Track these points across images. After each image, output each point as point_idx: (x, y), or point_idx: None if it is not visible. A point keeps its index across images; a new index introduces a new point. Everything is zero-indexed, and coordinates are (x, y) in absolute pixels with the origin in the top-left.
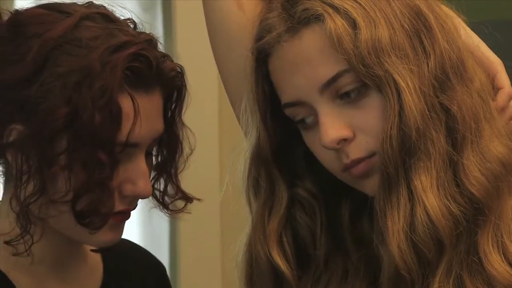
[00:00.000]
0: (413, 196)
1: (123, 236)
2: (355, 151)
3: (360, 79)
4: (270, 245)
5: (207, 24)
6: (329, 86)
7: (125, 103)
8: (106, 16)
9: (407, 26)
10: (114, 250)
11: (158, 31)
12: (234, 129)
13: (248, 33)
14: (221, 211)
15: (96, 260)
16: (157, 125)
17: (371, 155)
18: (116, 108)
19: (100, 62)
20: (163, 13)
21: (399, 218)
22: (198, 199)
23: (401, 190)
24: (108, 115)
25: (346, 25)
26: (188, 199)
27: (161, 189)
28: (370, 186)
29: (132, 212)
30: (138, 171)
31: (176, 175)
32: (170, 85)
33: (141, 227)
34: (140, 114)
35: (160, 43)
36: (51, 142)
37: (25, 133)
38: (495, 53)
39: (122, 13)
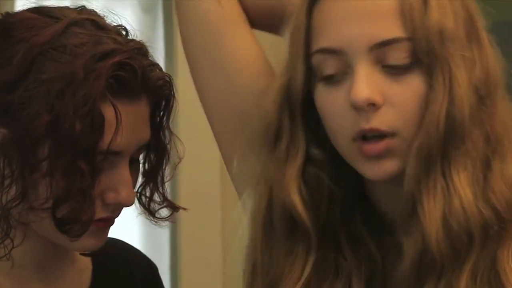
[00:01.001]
0: (450, 187)
1: (119, 237)
2: (378, 120)
3: (411, 56)
4: (290, 188)
5: (182, 30)
6: (380, 48)
7: (108, 112)
8: (96, 23)
9: (467, 25)
10: (103, 251)
11: (159, 32)
12: None
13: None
14: (222, 213)
15: (85, 261)
16: (142, 134)
17: (392, 134)
18: (98, 117)
19: (84, 70)
20: (164, 14)
21: (436, 204)
22: (184, 208)
23: (439, 176)
24: (90, 124)
25: (420, 1)
26: (174, 208)
27: (148, 196)
28: (377, 169)
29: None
30: (121, 179)
31: (163, 184)
32: (157, 94)
33: (141, 229)
34: (123, 123)
35: (151, 47)
36: (33, 148)
37: (9, 137)
38: None
39: (114, 20)
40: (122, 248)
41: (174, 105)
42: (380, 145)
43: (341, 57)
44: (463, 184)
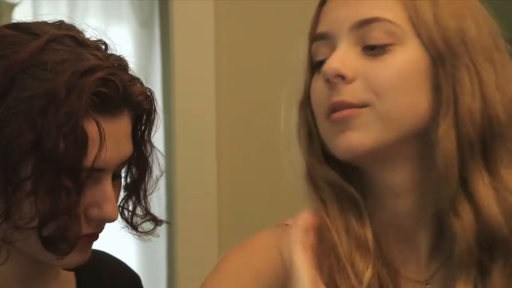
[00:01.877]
0: (499, 181)
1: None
2: (345, 92)
3: (392, 36)
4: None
5: None
6: (360, 27)
7: (91, 129)
8: (75, 38)
9: (491, 42)
10: (87, 263)
11: (156, 47)
12: (231, 137)
13: None
14: (219, 227)
15: (68, 275)
16: (124, 149)
17: (361, 106)
18: (82, 135)
19: (66, 87)
20: (160, 29)
21: (487, 193)
22: (168, 223)
23: (482, 167)
24: (73, 142)
25: None
26: (157, 221)
27: (130, 210)
28: (344, 141)
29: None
30: (104, 195)
31: (145, 197)
32: (138, 109)
33: (138, 245)
34: (107, 139)
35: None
36: (16, 167)
37: None
38: None
39: (93, 34)
40: (105, 259)
41: (156, 119)
42: (345, 112)
43: (329, 41)
44: (510, 180)
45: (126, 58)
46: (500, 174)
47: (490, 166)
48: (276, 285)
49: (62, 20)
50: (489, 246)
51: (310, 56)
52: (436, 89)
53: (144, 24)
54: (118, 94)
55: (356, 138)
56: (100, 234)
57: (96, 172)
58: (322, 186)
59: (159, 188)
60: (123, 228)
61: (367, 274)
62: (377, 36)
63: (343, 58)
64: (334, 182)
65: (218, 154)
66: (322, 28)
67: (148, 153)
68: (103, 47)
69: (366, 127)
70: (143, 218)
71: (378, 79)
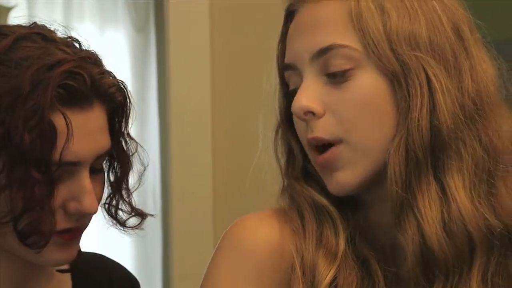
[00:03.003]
0: (446, 192)
1: (116, 254)
2: (318, 128)
3: (352, 61)
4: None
5: None
6: (320, 56)
7: (59, 122)
8: (43, 35)
9: (450, 37)
10: (82, 266)
11: (151, 51)
12: (227, 140)
13: None
14: (214, 227)
15: (64, 278)
16: (99, 142)
17: (336, 141)
18: (48, 128)
19: (31, 81)
20: (156, 34)
21: (431, 207)
22: (152, 215)
23: (431, 179)
24: (40, 135)
25: (372, 7)
26: (142, 215)
27: (114, 206)
28: (334, 182)
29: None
30: (81, 188)
31: (128, 192)
32: (111, 101)
33: (134, 243)
34: (77, 131)
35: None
36: None
37: None
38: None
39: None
40: (103, 262)
41: (131, 111)
42: (326, 155)
43: (296, 71)
44: (458, 188)
45: (98, 53)
46: (448, 183)
47: (440, 176)
48: (278, 276)
49: (35, 22)
50: (430, 265)
51: (284, 81)
52: (398, 109)
53: (139, 28)
54: (86, 86)
55: (343, 177)
56: (83, 232)
57: (71, 166)
58: (300, 201)
59: (143, 183)
60: (111, 225)
61: (328, 277)
62: (336, 63)
63: (310, 93)
64: (312, 199)
65: (213, 156)
66: (287, 59)
67: (128, 147)
68: (77, 44)
69: (350, 164)
70: (129, 214)
71: (343, 111)
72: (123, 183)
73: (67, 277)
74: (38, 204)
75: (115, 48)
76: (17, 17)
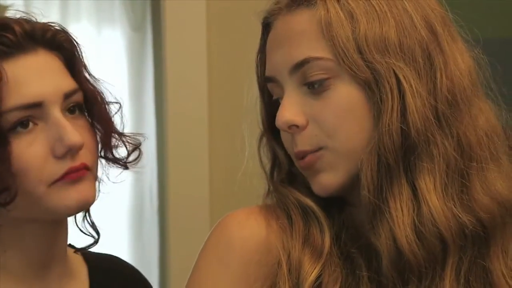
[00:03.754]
0: (417, 194)
1: (113, 253)
2: (303, 141)
3: (328, 72)
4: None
5: None
6: (297, 70)
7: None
8: None
9: (421, 36)
10: (100, 267)
11: (148, 50)
12: (224, 135)
13: None
14: (211, 225)
15: (82, 277)
16: (57, 81)
17: (318, 149)
18: None
19: None
20: (153, 32)
21: (402, 210)
22: (140, 134)
23: (403, 183)
24: None
25: (341, 14)
26: (139, 149)
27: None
28: (317, 183)
29: (123, 227)
30: (58, 126)
31: (117, 132)
32: (55, 45)
33: (131, 242)
34: (24, 74)
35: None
36: None
37: None
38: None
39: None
40: (119, 264)
41: (82, 51)
42: (306, 159)
43: (278, 83)
44: (429, 190)
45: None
46: (420, 186)
47: (412, 179)
48: (265, 271)
49: None
50: (404, 268)
51: (264, 91)
52: (372, 115)
53: (136, 27)
54: (17, 35)
55: (326, 179)
56: (92, 172)
57: (38, 110)
58: (287, 202)
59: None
60: (113, 166)
61: (313, 274)
62: (313, 74)
63: (292, 107)
64: (298, 201)
65: (210, 155)
66: (268, 72)
67: (97, 86)
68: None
69: (332, 167)
70: (126, 154)
71: (324, 120)
72: (108, 123)
73: (86, 275)
74: None
75: (112, 47)
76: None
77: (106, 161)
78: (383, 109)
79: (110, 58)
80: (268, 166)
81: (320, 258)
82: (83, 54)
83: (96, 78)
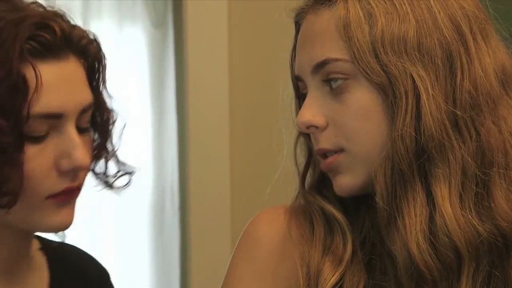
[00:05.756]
0: (431, 201)
1: (134, 251)
2: (324, 141)
3: (346, 73)
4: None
5: None
6: (318, 70)
7: (30, 74)
8: (10, 2)
9: (443, 36)
10: (59, 253)
11: (169, 47)
12: (245, 132)
13: None
14: (232, 223)
15: (43, 267)
16: (80, 94)
17: (339, 150)
18: (18, 79)
19: (0, 36)
20: (174, 29)
21: (416, 217)
22: (138, 169)
23: (417, 189)
24: (9, 87)
25: (360, 14)
26: (129, 173)
27: (103, 169)
28: (336, 184)
29: (143, 225)
30: (70, 142)
31: (113, 150)
32: (85, 53)
33: (152, 240)
34: (54, 83)
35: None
36: None
37: None
38: None
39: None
40: (77, 252)
41: (106, 65)
42: (328, 160)
43: (303, 81)
44: (444, 197)
45: (67, 12)
46: (434, 193)
47: (427, 185)
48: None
49: None
50: (417, 277)
51: (298, 90)
52: (388, 119)
53: (157, 24)
54: (56, 37)
55: (345, 181)
56: (79, 194)
57: (56, 120)
58: (311, 210)
59: (122, 140)
60: (100, 189)
61: (332, 280)
62: (333, 75)
63: (313, 108)
64: (322, 209)
65: (231, 153)
66: (296, 71)
67: (109, 102)
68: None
69: (351, 169)
70: (115, 174)
71: (342, 123)
72: (109, 139)
73: (45, 266)
74: (6, 159)
75: (133, 44)
76: None
77: (94, 176)
78: (397, 113)
79: (131, 55)
80: (302, 166)
81: (340, 265)
82: (107, 69)
83: (111, 95)
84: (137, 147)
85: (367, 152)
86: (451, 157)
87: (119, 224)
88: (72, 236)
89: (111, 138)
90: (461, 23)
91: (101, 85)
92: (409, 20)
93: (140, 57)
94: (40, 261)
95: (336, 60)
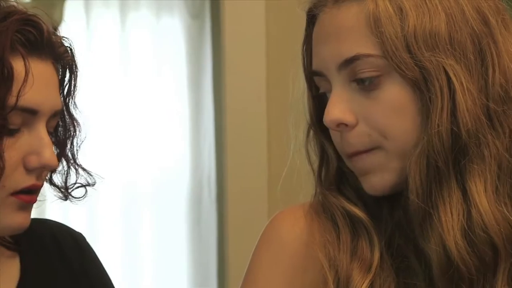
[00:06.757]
0: (467, 197)
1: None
2: (354, 140)
3: (378, 69)
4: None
5: None
6: (347, 66)
7: (18, 65)
8: None
9: (473, 29)
10: (28, 231)
11: (207, 38)
12: (282, 122)
13: None
14: (269, 215)
15: (12, 255)
16: (54, 97)
17: (372, 149)
18: (7, 69)
19: None
20: (211, 20)
21: (452, 214)
22: (102, 177)
23: (453, 186)
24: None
25: (390, 9)
26: (88, 185)
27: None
28: (369, 184)
29: (181, 216)
30: (41, 141)
31: (74, 159)
32: (62, 61)
33: (189, 231)
34: (35, 79)
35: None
36: None
37: None
38: None
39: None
40: (47, 225)
41: (78, 77)
42: (365, 161)
43: (325, 77)
44: (479, 192)
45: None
46: (470, 188)
47: (462, 181)
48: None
49: None
50: (454, 276)
51: (311, 84)
52: (422, 115)
53: (195, 14)
54: (42, 36)
55: (379, 179)
56: (37, 197)
57: (30, 116)
58: (334, 211)
59: (80, 152)
60: (57, 198)
61: (363, 286)
62: (363, 71)
63: (341, 104)
64: (346, 210)
65: (269, 144)
66: (315, 66)
67: (76, 113)
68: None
69: (385, 167)
70: (73, 184)
71: (376, 120)
72: (72, 149)
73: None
74: None
75: (170, 35)
76: (72, 8)
77: (50, 185)
78: (432, 109)
79: (168, 46)
80: (316, 164)
81: (369, 272)
82: (78, 80)
83: (78, 109)
84: (174, 138)
85: (403, 148)
86: (486, 151)
87: (157, 216)
88: (109, 228)
89: (73, 149)
90: (488, 14)
91: (70, 96)
92: (439, 14)
93: (178, 48)
94: (7, 249)
95: (368, 56)
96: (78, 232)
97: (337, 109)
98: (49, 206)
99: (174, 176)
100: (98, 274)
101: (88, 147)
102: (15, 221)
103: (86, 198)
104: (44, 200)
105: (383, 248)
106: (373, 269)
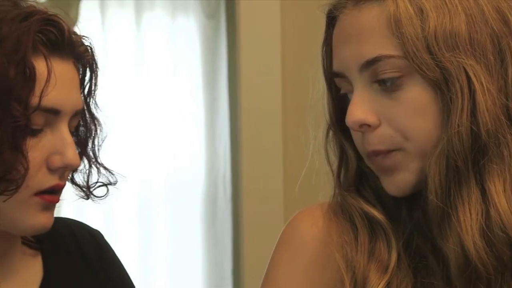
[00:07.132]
0: (486, 197)
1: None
2: (376, 140)
3: (400, 70)
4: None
5: None
6: (368, 67)
7: (40, 65)
8: (12, 1)
9: (492, 30)
10: (50, 238)
11: (222, 37)
12: (297, 123)
13: None
14: (285, 215)
15: (34, 253)
16: (76, 96)
17: (394, 149)
18: (30, 68)
19: (10, 29)
20: (226, 20)
21: (471, 214)
22: (123, 176)
23: (472, 186)
24: (22, 73)
25: (411, 10)
26: (109, 184)
27: (85, 177)
28: (391, 184)
29: (196, 216)
30: (63, 141)
31: (97, 158)
32: (82, 60)
33: (204, 231)
34: (57, 79)
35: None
36: None
37: None
38: None
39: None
40: (67, 224)
41: (98, 77)
42: (386, 161)
43: (346, 79)
44: (498, 192)
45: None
46: (489, 188)
47: (482, 181)
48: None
49: None
50: (472, 276)
51: (331, 84)
52: (444, 116)
53: (210, 14)
54: (63, 35)
55: (400, 180)
56: (59, 198)
57: (52, 116)
58: (352, 212)
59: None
60: (79, 198)
61: (380, 286)
62: (385, 72)
63: (363, 105)
64: (364, 212)
65: (284, 144)
66: (335, 67)
67: (97, 113)
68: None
69: (406, 167)
70: (95, 183)
71: (399, 121)
72: (91, 147)
73: (36, 247)
74: (10, 148)
75: (186, 35)
76: (88, 8)
77: (72, 184)
78: (453, 109)
79: (184, 45)
80: (335, 164)
81: (386, 273)
82: (98, 79)
83: (99, 107)
84: (189, 137)
85: (423, 149)
86: (506, 151)
87: (172, 216)
88: (125, 227)
89: (94, 148)
90: (508, 14)
91: (90, 95)
92: (459, 14)
93: (193, 48)
94: (29, 248)
95: (390, 57)
96: (96, 230)
97: (360, 110)
98: (65, 206)
99: (189, 176)
100: (117, 271)
101: (105, 147)
102: (38, 221)
103: (107, 197)
104: (64, 199)
105: (401, 249)
106: (390, 270)
